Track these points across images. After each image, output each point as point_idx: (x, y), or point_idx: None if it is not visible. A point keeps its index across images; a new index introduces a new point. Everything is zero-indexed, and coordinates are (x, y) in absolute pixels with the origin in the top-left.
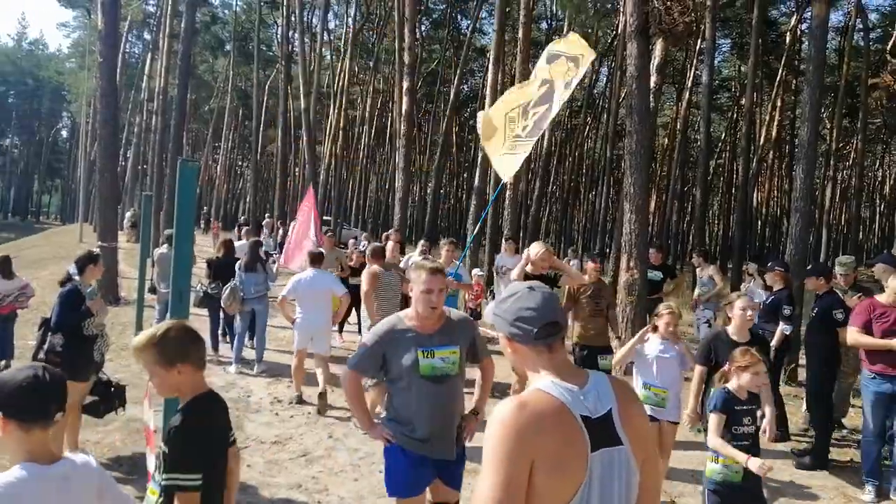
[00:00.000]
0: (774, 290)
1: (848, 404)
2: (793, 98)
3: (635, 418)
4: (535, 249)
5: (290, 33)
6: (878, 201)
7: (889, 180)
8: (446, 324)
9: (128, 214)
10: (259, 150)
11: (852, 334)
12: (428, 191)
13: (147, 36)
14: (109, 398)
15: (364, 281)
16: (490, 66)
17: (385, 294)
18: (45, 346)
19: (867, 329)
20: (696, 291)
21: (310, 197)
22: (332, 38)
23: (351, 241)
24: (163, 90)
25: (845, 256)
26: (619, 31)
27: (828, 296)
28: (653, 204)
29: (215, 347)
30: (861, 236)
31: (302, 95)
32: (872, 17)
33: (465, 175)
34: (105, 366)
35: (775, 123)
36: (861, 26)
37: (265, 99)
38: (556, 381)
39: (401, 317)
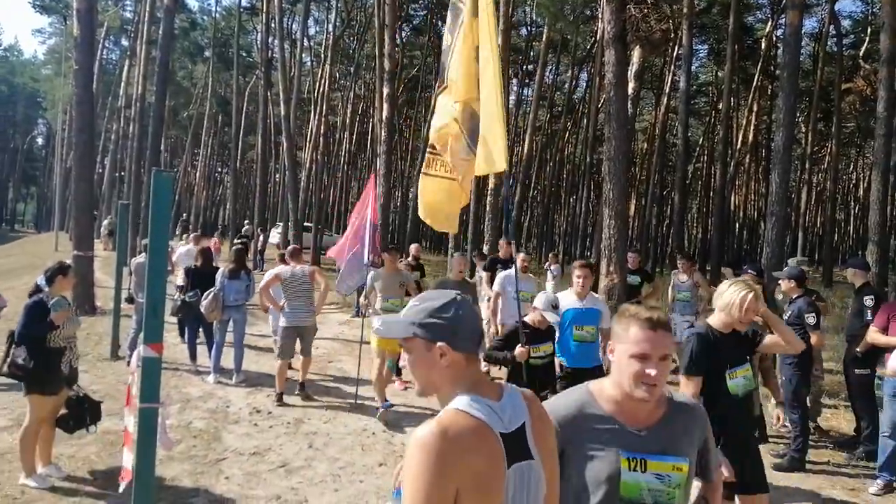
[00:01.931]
0: None
1: (821, 405)
2: (769, 103)
3: (546, 434)
4: (740, 293)
5: (270, 39)
6: (852, 204)
7: (863, 183)
8: (669, 414)
9: (104, 223)
10: (239, 156)
11: (871, 334)
12: (410, 196)
13: (125, 42)
14: (80, 414)
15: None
16: None
17: (293, 293)
18: (9, 359)
19: (885, 330)
20: (675, 296)
21: (370, 190)
22: (312, 44)
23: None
24: (140, 97)
25: (796, 258)
26: (598, 37)
27: (800, 299)
28: (632, 208)
29: (193, 357)
30: (836, 238)
31: (282, 101)
32: (845, 23)
33: None
34: (81, 377)
35: (752, 128)
36: (834, 32)
37: (245, 105)
38: (474, 397)
39: (592, 392)
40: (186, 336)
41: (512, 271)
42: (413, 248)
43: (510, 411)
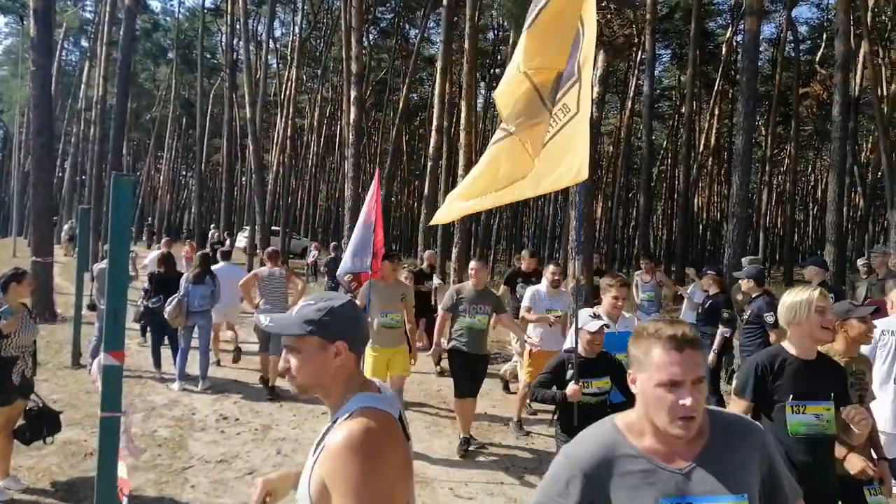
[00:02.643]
0: (711, 293)
1: None
2: (730, 107)
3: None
4: (805, 293)
5: (235, 41)
6: (811, 205)
7: (821, 185)
8: (713, 441)
9: (65, 227)
10: (204, 159)
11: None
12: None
13: (84, 43)
14: (37, 425)
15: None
16: (438, 76)
17: (269, 293)
18: None
19: None
20: (639, 296)
21: (375, 190)
22: (278, 46)
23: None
24: (101, 99)
25: (748, 258)
26: None
27: (759, 298)
28: (599, 210)
29: (157, 364)
30: (796, 238)
31: (247, 104)
32: (802, 29)
33: (416, 183)
34: (40, 386)
35: (713, 131)
36: (792, 38)
37: (209, 108)
38: (370, 393)
39: (619, 428)
40: (150, 343)
41: (542, 287)
42: (427, 255)
43: (392, 398)
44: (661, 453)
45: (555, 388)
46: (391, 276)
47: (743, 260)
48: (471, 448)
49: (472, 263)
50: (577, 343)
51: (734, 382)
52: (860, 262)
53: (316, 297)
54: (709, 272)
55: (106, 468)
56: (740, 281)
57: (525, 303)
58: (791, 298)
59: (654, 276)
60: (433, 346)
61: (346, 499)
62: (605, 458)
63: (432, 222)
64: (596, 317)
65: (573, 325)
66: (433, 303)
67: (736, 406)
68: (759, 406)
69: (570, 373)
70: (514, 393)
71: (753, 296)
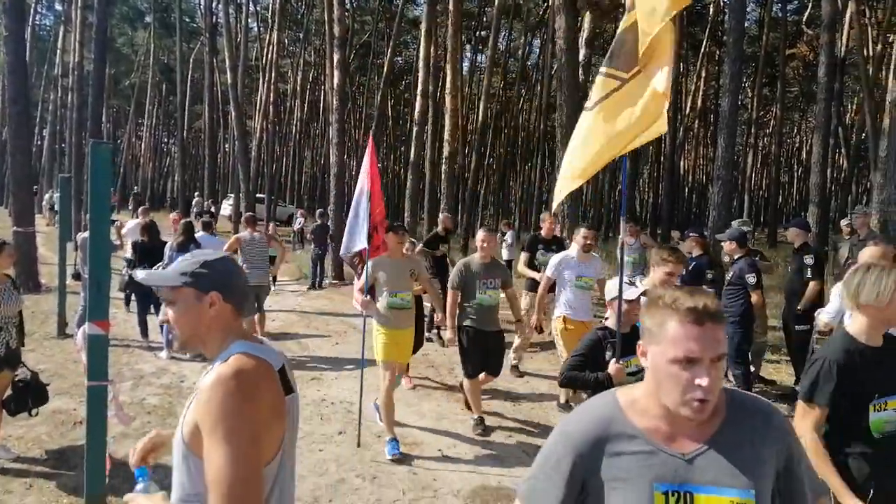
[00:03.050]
0: (694, 255)
1: (762, 361)
2: (717, 68)
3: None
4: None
5: (214, 4)
6: (795, 167)
7: (806, 146)
8: (726, 425)
9: (46, 196)
10: (185, 126)
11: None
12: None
13: (59, 7)
14: (22, 397)
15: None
16: (422, 39)
17: (251, 256)
18: None
19: None
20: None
21: (369, 158)
22: (258, 8)
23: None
24: (77, 65)
25: (740, 220)
26: (549, 4)
27: (741, 260)
28: None
29: (144, 333)
30: (780, 200)
31: (228, 69)
32: None
33: (402, 149)
34: (27, 357)
35: (700, 93)
36: None
37: (190, 73)
38: (248, 343)
39: (620, 403)
40: (137, 312)
41: (572, 251)
42: (443, 217)
43: (273, 351)
44: (663, 434)
45: (588, 372)
46: (398, 250)
47: (734, 223)
48: (486, 426)
49: (480, 234)
50: (619, 314)
51: (800, 386)
52: (843, 222)
53: (193, 254)
54: (691, 234)
55: (95, 436)
56: (723, 243)
57: (549, 271)
58: (875, 276)
59: (639, 238)
60: (447, 330)
61: (213, 434)
62: (599, 436)
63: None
64: (631, 284)
65: (614, 299)
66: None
67: (808, 416)
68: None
69: (608, 353)
70: (522, 376)
71: (736, 257)
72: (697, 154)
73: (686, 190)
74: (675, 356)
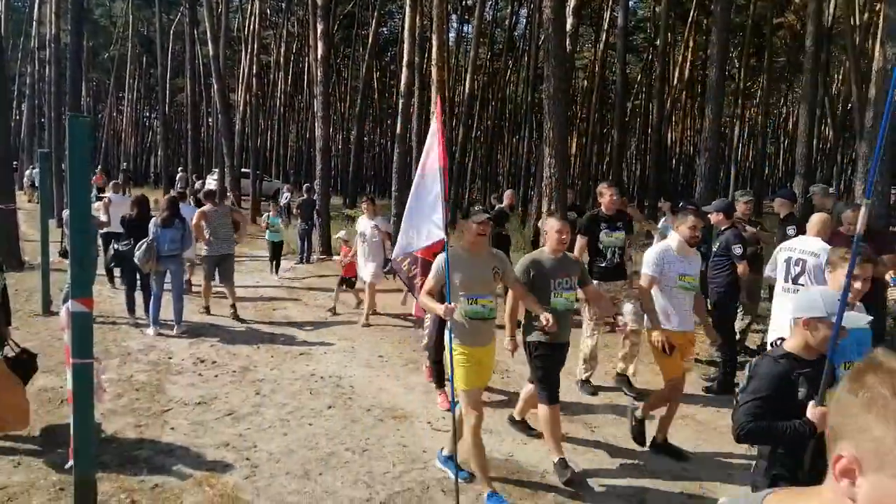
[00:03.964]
0: (723, 230)
1: (748, 332)
2: (704, 38)
3: None
4: None
5: None
6: (782, 138)
7: (792, 117)
8: None
9: (27, 173)
10: (167, 99)
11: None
12: (352, 139)
13: None
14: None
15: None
16: (407, 9)
17: (215, 228)
18: None
19: None
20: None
21: (438, 127)
22: None
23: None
24: (54, 37)
25: (742, 191)
26: None
27: (728, 231)
28: (573, 146)
29: (131, 310)
30: (767, 171)
31: (210, 41)
32: None
33: (388, 121)
34: (12, 335)
35: (687, 64)
36: None
37: (171, 45)
38: None
39: None
40: (125, 288)
41: (672, 243)
42: (508, 194)
43: None
44: None
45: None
46: (481, 243)
47: (736, 194)
48: (575, 470)
49: (553, 222)
50: (834, 342)
51: None
52: (829, 191)
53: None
54: (689, 208)
55: (82, 413)
56: (709, 215)
57: (648, 268)
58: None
59: (626, 210)
60: (509, 339)
61: None
62: None
63: None
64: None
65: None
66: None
67: None
68: None
69: (801, 390)
70: (596, 394)
71: (722, 228)
72: (685, 125)
73: (673, 161)
74: None
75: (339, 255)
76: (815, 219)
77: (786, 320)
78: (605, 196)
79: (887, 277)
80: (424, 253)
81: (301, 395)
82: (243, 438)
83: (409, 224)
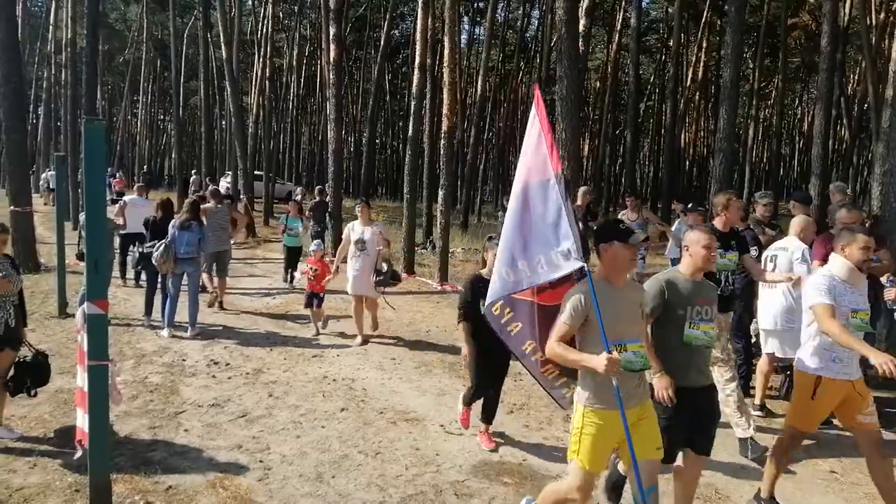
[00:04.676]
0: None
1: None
2: (718, 39)
3: None
4: None
5: None
6: (797, 138)
7: (807, 118)
8: None
9: (43, 176)
10: (181, 103)
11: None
12: (363, 141)
13: None
14: (21, 378)
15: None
16: (419, 11)
17: (213, 225)
18: None
19: (825, 261)
20: None
21: (542, 122)
22: None
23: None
24: (70, 41)
25: (762, 192)
26: None
27: (744, 233)
28: (586, 148)
29: (148, 312)
30: (781, 173)
31: (223, 44)
32: None
33: (400, 124)
34: (28, 336)
35: (701, 65)
36: None
37: (184, 48)
38: None
39: None
40: (145, 290)
41: (836, 270)
42: (582, 191)
43: None
44: None
45: None
46: (625, 269)
47: (755, 195)
48: None
49: (697, 235)
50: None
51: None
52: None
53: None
54: (697, 209)
55: (97, 414)
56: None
57: (821, 296)
58: None
59: (641, 213)
60: (657, 375)
61: None
62: None
63: None
64: None
65: None
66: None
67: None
68: None
69: None
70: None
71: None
72: (698, 126)
73: (687, 163)
74: None
75: (308, 266)
76: (796, 220)
77: (768, 314)
78: (730, 210)
79: (883, 279)
80: (545, 297)
81: (314, 398)
82: (256, 440)
83: (514, 255)
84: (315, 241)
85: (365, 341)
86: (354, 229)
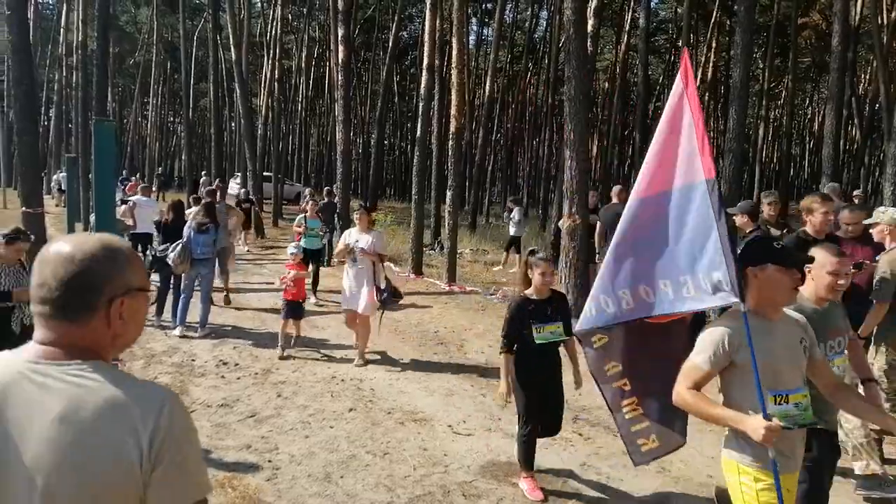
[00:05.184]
0: (748, 232)
1: None
2: (727, 39)
3: None
4: None
5: None
6: (807, 139)
7: (818, 118)
8: None
9: (55, 177)
10: (191, 104)
11: None
12: (372, 142)
13: None
14: None
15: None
16: (427, 12)
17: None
18: None
19: None
20: None
21: (692, 101)
22: None
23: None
24: (81, 44)
25: (766, 192)
26: None
27: (753, 234)
28: (594, 149)
29: (160, 312)
30: (792, 173)
31: (232, 46)
32: None
33: (408, 125)
34: None
35: (710, 65)
36: None
37: (194, 50)
38: None
39: None
40: (157, 291)
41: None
42: (617, 191)
43: None
44: None
45: None
46: (779, 303)
47: (761, 195)
48: None
49: (824, 255)
50: None
51: None
52: (856, 192)
53: None
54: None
55: None
56: (734, 217)
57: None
58: None
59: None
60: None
61: None
62: None
63: None
64: None
65: None
66: None
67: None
68: None
69: None
70: None
71: (748, 231)
72: (708, 126)
73: None
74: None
75: (288, 272)
76: (855, 216)
77: None
78: (817, 214)
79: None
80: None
81: (322, 398)
82: (265, 440)
83: (635, 276)
84: (292, 244)
85: (365, 363)
86: (350, 235)
